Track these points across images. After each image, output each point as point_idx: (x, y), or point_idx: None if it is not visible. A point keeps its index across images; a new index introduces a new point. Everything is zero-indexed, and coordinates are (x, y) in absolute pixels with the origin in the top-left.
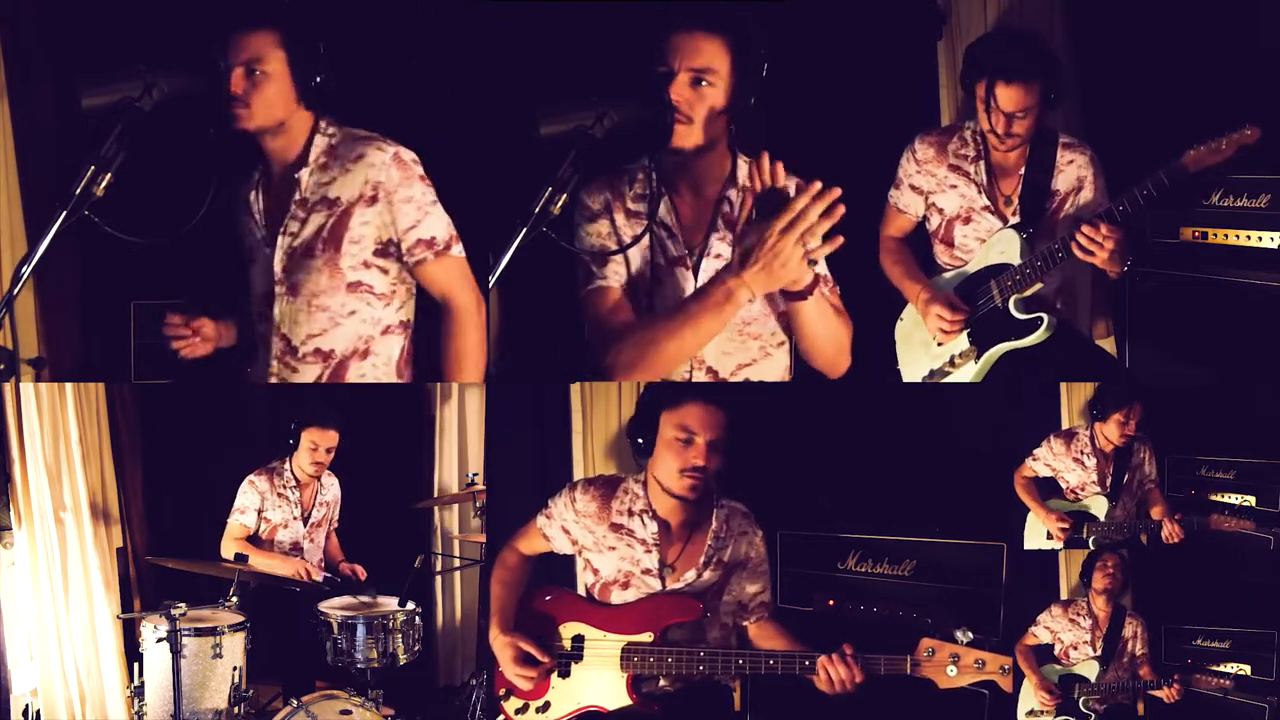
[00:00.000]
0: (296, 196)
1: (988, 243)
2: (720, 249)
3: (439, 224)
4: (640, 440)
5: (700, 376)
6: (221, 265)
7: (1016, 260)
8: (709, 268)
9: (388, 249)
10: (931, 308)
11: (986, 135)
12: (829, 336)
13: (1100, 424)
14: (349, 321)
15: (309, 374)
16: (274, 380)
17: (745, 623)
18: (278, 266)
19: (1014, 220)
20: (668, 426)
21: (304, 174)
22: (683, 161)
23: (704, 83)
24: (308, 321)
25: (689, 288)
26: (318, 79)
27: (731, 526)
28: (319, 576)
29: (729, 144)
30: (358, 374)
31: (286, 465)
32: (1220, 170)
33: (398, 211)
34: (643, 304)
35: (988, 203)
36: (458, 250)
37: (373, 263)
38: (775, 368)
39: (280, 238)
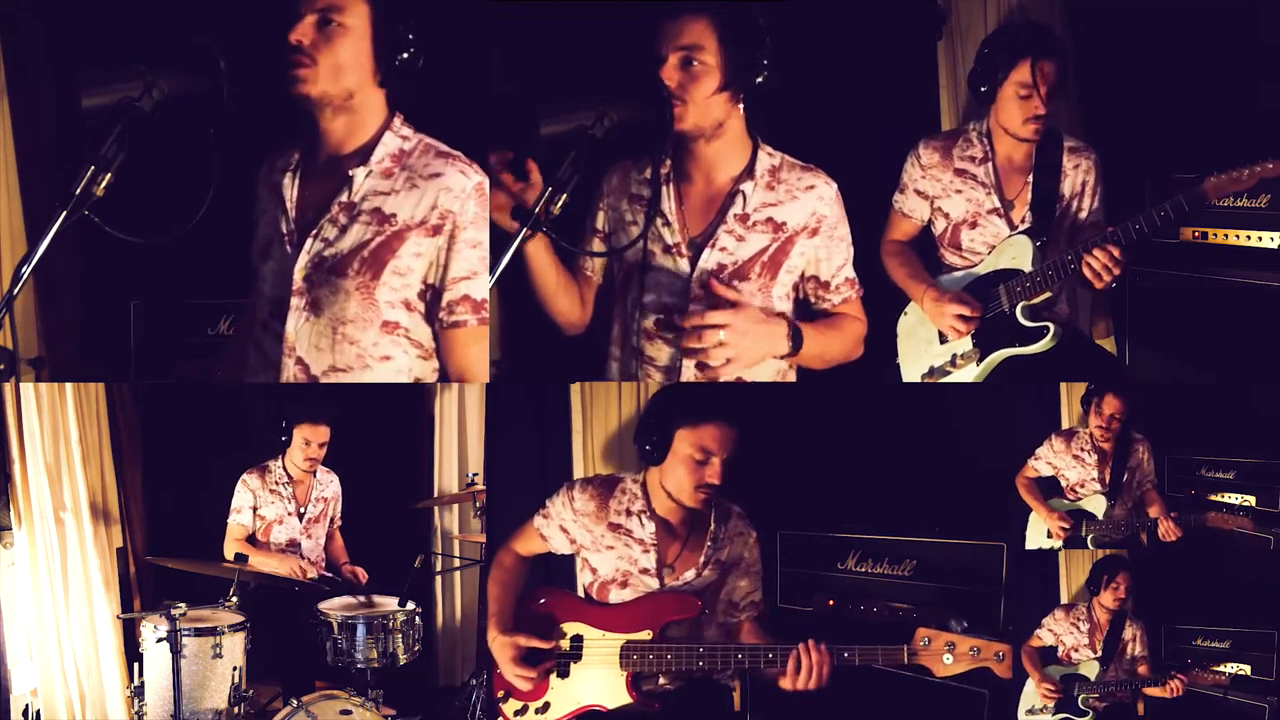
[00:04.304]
0: (343, 197)
1: (999, 247)
2: (727, 242)
3: (486, 284)
4: (649, 448)
5: (689, 369)
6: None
7: (1028, 267)
8: (712, 259)
9: (425, 294)
10: (947, 306)
11: (1020, 127)
12: (832, 358)
13: (1091, 417)
14: (382, 369)
15: None
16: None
17: (734, 620)
18: (298, 274)
19: (1022, 225)
20: (684, 444)
21: (359, 173)
22: (690, 147)
23: (694, 62)
24: (331, 351)
25: (681, 273)
26: (404, 55)
27: (729, 527)
28: (314, 574)
29: (749, 132)
30: None
31: (278, 462)
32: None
33: (456, 254)
34: (635, 284)
35: (995, 205)
36: (485, 315)
37: (415, 306)
38: (760, 375)
39: (310, 240)
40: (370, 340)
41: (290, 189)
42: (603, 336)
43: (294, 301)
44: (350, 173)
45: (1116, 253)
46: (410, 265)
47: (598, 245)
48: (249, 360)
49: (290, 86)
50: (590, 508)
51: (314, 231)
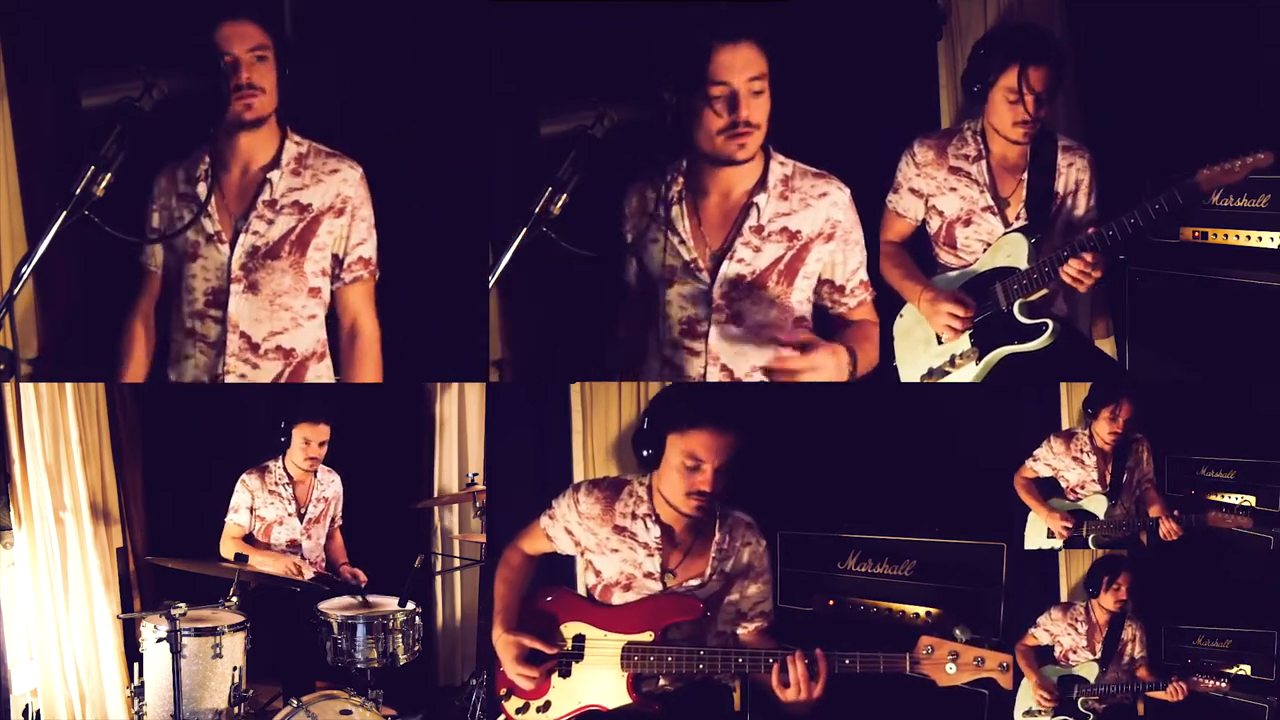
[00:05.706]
0: (266, 197)
1: (994, 245)
2: (744, 254)
3: (373, 247)
4: (646, 454)
5: (715, 374)
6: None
7: (1024, 264)
8: (731, 271)
9: (333, 262)
10: (941, 305)
11: (1010, 129)
12: (864, 370)
13: (1094, 423)
14: (310, 325)
15: (270, 370)
16: (230, 378)
17: (740, 629)
18: (235, 264)
19: (1017, 223)
20: (675, 451)
21: (276, 175)
22: (713, 167)
23: (759, 92)
24: (270, 319)
25: (702, 286)
26: (287, 70)
27: (735, 537)
28: (309, 573)
29: (762, 145)
30: (314, 375)
31: (279, 462)
32: (1231, 190)
33: (354, 228)
34: (660, 299)
35: (989, 203)
36: (375, 276)
37: (327, 272)
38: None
39: (242, 235)
40: (300, 305)
41: (206, 194)
42: (637, 348)
43: (234, 288)
44: (268, 176)
45: (1089, 259)
46: (325, 241)
47: (633, 265)
48: (178, 349)
49: (241, 115)
50: (595, 510)
51: (244, 227)
